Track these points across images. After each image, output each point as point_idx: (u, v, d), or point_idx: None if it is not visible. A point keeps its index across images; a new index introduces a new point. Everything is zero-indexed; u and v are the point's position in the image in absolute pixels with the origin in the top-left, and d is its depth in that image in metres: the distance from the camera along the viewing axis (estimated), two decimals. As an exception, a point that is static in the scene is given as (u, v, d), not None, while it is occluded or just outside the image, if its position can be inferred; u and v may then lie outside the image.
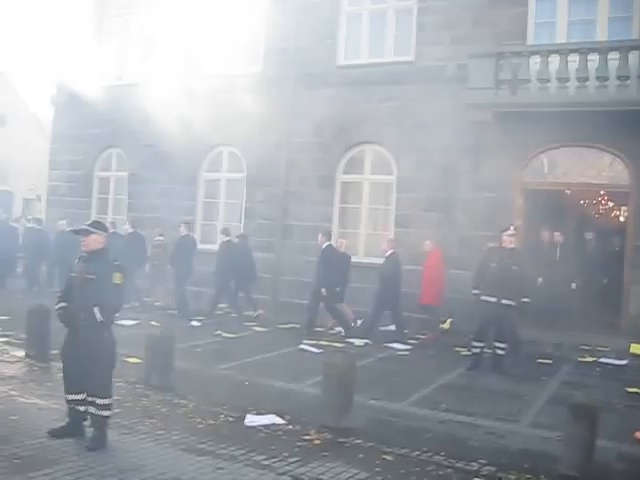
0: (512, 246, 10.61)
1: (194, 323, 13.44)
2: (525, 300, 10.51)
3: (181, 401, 7.72)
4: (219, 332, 12.59)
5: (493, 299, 10.37)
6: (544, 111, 12.47)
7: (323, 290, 13.05)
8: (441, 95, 14.05)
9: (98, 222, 6.73)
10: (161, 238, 15.50)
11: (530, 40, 13.60)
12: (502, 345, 10.49)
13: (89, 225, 6.46)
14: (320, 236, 13.63)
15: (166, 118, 16.64)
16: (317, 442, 6.58)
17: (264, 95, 15.98)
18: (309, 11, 15.75)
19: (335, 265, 13.23)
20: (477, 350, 10.63)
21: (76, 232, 6.55)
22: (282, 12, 16.04)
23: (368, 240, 15.03)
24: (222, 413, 7.33)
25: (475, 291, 10.71)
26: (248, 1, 16.82)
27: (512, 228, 10.86)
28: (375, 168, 15.20)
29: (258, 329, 13.43)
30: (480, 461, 6.25)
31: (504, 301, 10.32)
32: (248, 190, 16.42)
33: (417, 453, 6.39)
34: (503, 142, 13.36)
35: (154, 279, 15.46)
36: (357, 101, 15.05)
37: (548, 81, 12.55)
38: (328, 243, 13.57)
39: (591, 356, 11.82)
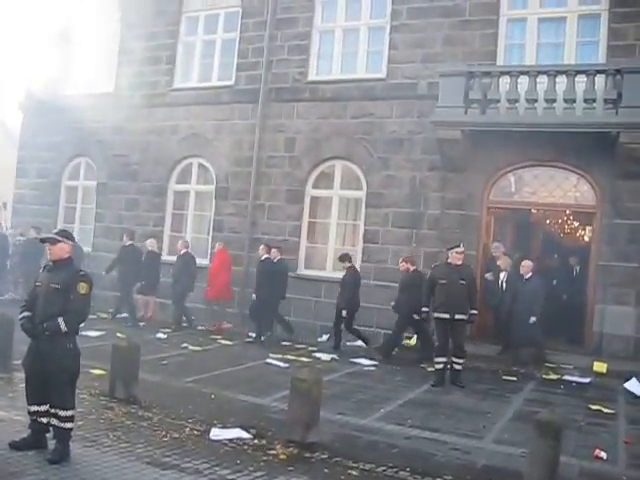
0: (459, 263, 10.78)
1: (160, 335, 13.32)
2: (473, 312, 10.74)
3: (146, 414, 7.63)
4: (185, 345, 12.50)
5: (446, 315, 10.53)
6: (513, 131, 12.64)
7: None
8: (412, 112, 14.24)
9: (64, 231, 6.66)
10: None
11: (500, 61, 13.81)
12: (460, 360, 10.62)
13: (56, 233, 6.40)
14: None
15: (136, 128, 16.61)
16: (283, 457, 6.54)
17: (236, 108, 16.07)
18: (282, 26, 15.83)
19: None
20: (440, 366, 10.68)
21: (42, 240, 6.47)
22: (255, 26, 16.12)
23: (336, 255, 15.05)
24: (187, 426, 7.26)
25: (425, 309, 10.96)
26: (223, 15, 16.88)
27: (461, 245, 11.08)
28: (345, 183, 15.25)
29: (224, 342, 13.35)
30: (445, 477, 6.27)
31: (457, 316, 10.50)
32: (217, 202, 16.36)
33: (383, 468, 6.39)
34: (472, 160, 13.50)
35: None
36: (328, 116, 15.14)
37: (517, 101, 12.73)
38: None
39: (555, 374, 11.94)
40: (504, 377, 11.47)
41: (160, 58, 17.37)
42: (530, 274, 12.40)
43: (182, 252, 15.10)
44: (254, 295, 13.91)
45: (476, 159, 13.48)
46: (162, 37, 17.35)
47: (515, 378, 11.51)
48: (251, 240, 15.46)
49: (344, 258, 13.55)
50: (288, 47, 15.77)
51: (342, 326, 13.18)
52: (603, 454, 7.28)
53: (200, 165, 16.90)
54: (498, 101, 12.89)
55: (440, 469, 6.50)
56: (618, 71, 12.14)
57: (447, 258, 11.00)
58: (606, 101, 12.24)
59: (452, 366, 10.68)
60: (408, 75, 14.36)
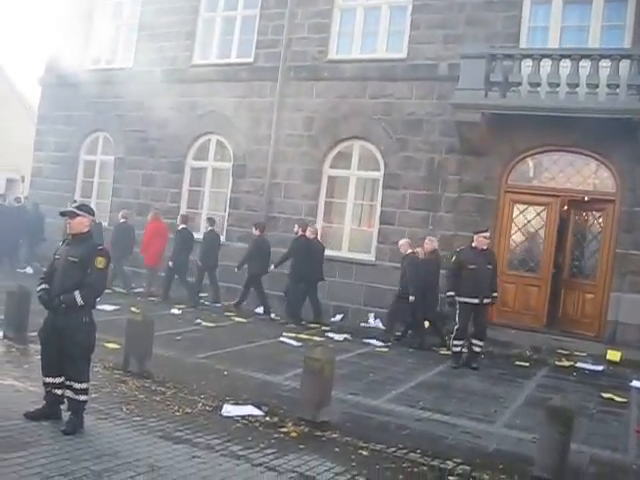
0: (485, 247, 10.86)
1: (174, 311, 13.39)
2: (496, 295, 10.93)
3: (159, 388, 7.69)
4: (199, 321, 12.57)
5: (475, 300, 10.55)
6: (533, 115, 12.53)
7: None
8: (432, 94, 14.13)
9: (84, 205, 6.65)
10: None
11: (523, 43, 13.64)
12: (480, 342, 10.78)
13: (76, 207, 6.41)
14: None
15: (155, 104, 16.59)
16: (294, 435, 6.58)
17: (254, 86, 16.03)
18: (303, 4, 15.72)
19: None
20: (458, 349, 10.76)
21: (62, 214, 6.49)
22: (276, 4, 16.01)
23: (352, 235, 15.03)
24: (200, 402, 7.31)
25: (451, 293, 10.84)
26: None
27: (488, 230, 11.23)
28: (362, 164, 15.19)
29: (238, 319, 13.40)
30: (455, 460, 6.28)
31: (485, 300, 10.62)
32: (234, 180, 16.36)
33: (393, 449, 6.40)
34: (490, 144, 13.41)
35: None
36: (347, 96, 15.05)
37: (539, 85, 12.59)
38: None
39: (568, 360, 11.90)
40: (516, 362, 11.46)
41: (180, 34, 17.31)
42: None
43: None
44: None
45: (495, 143, 13.39)
46: (182, 12, 17.27)
47: (528, 364, 11.50)
48: (267, 218, 15.45)
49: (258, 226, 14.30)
50: (308, 25, 15.65)
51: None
52: None
53: (218, 142, 16.90)
54: (519, 84, 12.74)
55: (450, 452, 6.52)
56: (643, 56, 11.97)
57: (472, 242, 11.02)
58: (630, 87, 12.07)
59: (471, 348, 10.77)
60: (429, 56, 14.23)
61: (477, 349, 10.78)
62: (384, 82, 14.65)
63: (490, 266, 10.75)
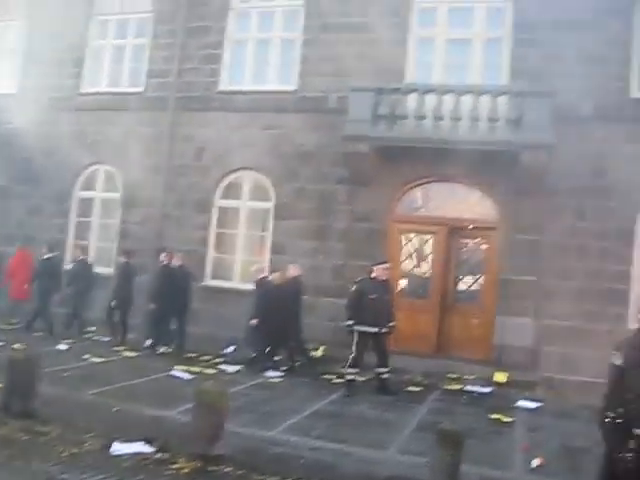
0: (385, 278, 11.21)
1: (61, 347, 12.90)
2: (392, 324, 11.26)
3: (43, 429, 7.33)
4: (87, 356, 12.15)
5: (374, 329, 10.90)
6: (419, 146, 12.97)
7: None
8: (322, 125, 14.36)
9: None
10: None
11: (409, 78, 14.14)
12: (385, 369, 11.11)
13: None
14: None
15: (41, 132, 16.08)
16: (186, 470, 6.43)
17: (145, 115, 15.79)
18: (194, 34, 15.72)
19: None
20: (352, 377, 10.97)
21: None
22: (167, 34, 15.93)
23: (244, 266, 14.99)
24: (87, 441, 7.03)
25: (349, 322, 11.03)
26: (134, 19, 16.60)
27: (387, 262, 11.62)
28: (253, 194, 15.23)
29: (127, 354, 13.04)
30: (350, 488, 6.33)
31: (384, 330, 10.97)
32: (124, 210, 16.03)
33: (288, 480, 6.39)
34: (379, 174, 13.76)
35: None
36: (238, 127, 15.10)
37: (424, 118, 13.07)
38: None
39: (458, 384, 12.25)
40: (408, 388, 11.68)
41: (67, 60, 16.90)
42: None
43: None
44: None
45: (383, 173, 13.75)
46: (70, 39, 16.86)
47: (419, 388, 11.74)
48: (159, 250, 15.16)
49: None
50: (199, 56, 15.67)
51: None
52: (536, 461, 7.56)
53: (107, 172, 16.53)
54: (406, 117, 13.19)
55: (345, 480, 6.56)
56: (520, 93, 12.64)
57: (371, 272, 11.30)
58: (508, 121, 12.74)
59: (380, 377, 11.11)
60: (319, 89, 14.51)
61: (385, 376, 11.10)
62: (275, 114, 14.80)
63: (388, 296, 11.12)
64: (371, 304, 10.86)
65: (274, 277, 13.12)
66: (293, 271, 13.01)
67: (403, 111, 13.18)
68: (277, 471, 6.57)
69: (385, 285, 11.20)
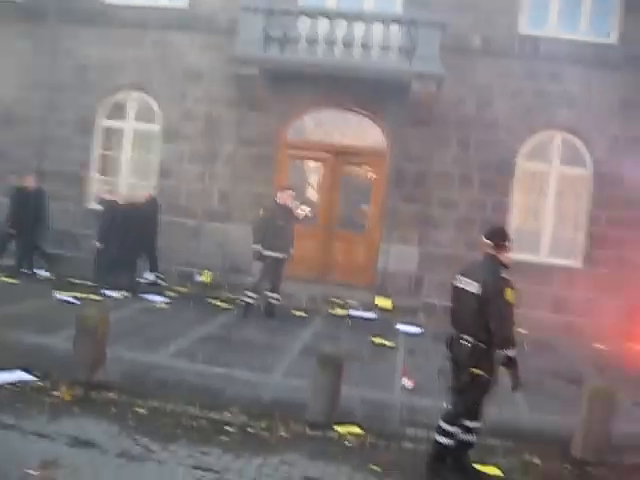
0: (289, 203, 11.34)
1: None
2: (292, 251, 11.39)
3: None
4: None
5: (281, 255, 11.08)
6: (310, 72, 12.81)
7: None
8: (212, 46, 13.87)
9: None
10: None
11: (302, 1, 13.83)
12: (277, 295, 11.24)
13: None
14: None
15: None
16: (68, 398, 6.32)
17: (22, 29, 14.70)
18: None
19: None
20: (251, 301, 11.14)
21: None
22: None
23: (130, 190, 14.54)
24: (-39, 370, 6.77)
25: (256, 246, 11.06)
26: None
27: (292, 189, 11.71)
28: (139, 115, 14.67)
29: (5, 279, 12.49)
30: (234, 411, 6.40)
31: (284, 255, 11.16)
32: (-1, 129, 15.07)
33: (172, 406, 6.39)
34: (269, 99, 13.54)
35: None
36: (125, 44, 14.32)
37: (316, 43, 12.88)
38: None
39: (343, 309, 12.53)
40: (294, 313, 11.83)
41: None
42: None
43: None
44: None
45: (274, 98, 13.53)
46: None
47: (305, 314, 11.92)
48: (39, 172, 14.41)
49: None
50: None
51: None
52: (408, 382, 7.90)
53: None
54: (297, 41, 12.95)
55: (229, 404, 6.62)
56: (412, 22, 12.64)
57: (276, 198, 11.40)
58: (400, 50, 12.74)
59: (269, 302, 11.25)
60: (210, 7, 13.95)
61: (274, 302, 11.24)
62: (164, 31, 14.14)
63: (292, 222, 11.25)
64: (278, 230, 10.95)
65: (121, 197, 13.10)
66: (144, 194, 13.14)
67: (295, 34, 12.93)
68: (160, 396, 6.57)
69: (288, 211, 11.27)
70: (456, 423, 5.46)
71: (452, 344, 5.52)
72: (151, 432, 5.71)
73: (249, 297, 11.15)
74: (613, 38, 13.32)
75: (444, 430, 5.48)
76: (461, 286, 5.47)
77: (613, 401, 6.40)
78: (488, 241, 5.58)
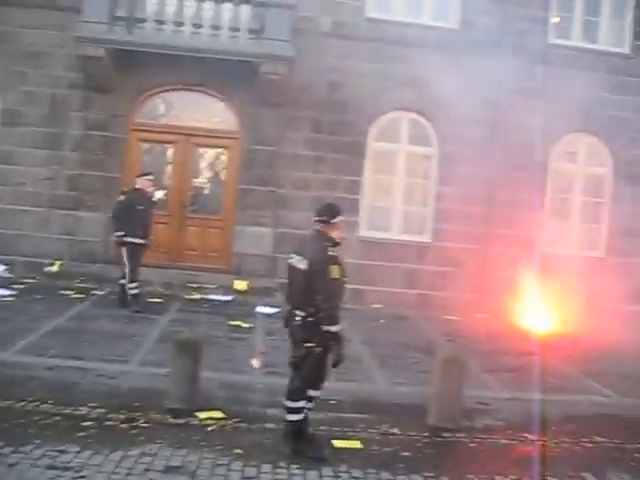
0: (148, 189, 11.06)
1: None
2: (151, 237, 11.17)
3: None
4: None
5: (143, 241, 10.79)
6: (159, 53, 12.51)
7: None
8: (52, 24, 13.15)
9: None
10: None
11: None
12: (134, 284, 10.81)
13: None
14: None
15: None
16: None
17: None
18: None
19: None
20: (136, 291, 10.79)
21: None
22: None
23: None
24: None
25: (119, 233, 10.70)
26: None
27: (151, 173, 11.43)
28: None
29: None
30: (90, 405, 6.23)
31: (146, 241, 10.92)
32: None
33: (23, 404, 6.13)
34: (117, 80, 13.10)
35: None
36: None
37: (164, 23, 12.59)
38: None
39: (199, 293, 12.43)
40: (150, 300, 11.57)
41: None
42: None
43: None
44: None
45: (121, 80, 13.11)
46: None
47: (161, 299, 11.73)
48: None
49: None
50: None
51: None
52: (256, 362, 7.89)
53: None
54: (145, 21, 12.61)
55: (85, 397, 6.45)
56: (262, 3, 12.63)
57: (136, 184, 11.10)
58: (250, 31, 12.73)
59: (123, 289, 10.85)
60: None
61: (133, 290, 10.79)
62: (1, 8, 13.28)
63: (152, 208, 11.07)
64: (139, 216, 10.68)
65: None
66: None
67: (142, 14, 12.56)
68: (10, 395, 6.27)
69: (149, 197, 11.05)
70: (298, 398, 5.57)
71: (287, 320, 5.64)
72: (2, 433, 5.45)
73: (132, 289, 10.71)
74: (455, 23, 13.96)
75: (290, 408, 5.59)
76: (292, 263, 5.58)
77: (463, 369, 6.77)
78: (317, 218, 5.66)
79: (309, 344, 5.43)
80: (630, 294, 12.85)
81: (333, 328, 5.37)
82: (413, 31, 13.64)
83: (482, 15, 13.79)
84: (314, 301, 5.36)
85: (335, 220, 5.60)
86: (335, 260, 5.41)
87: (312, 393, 5.63)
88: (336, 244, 5.54)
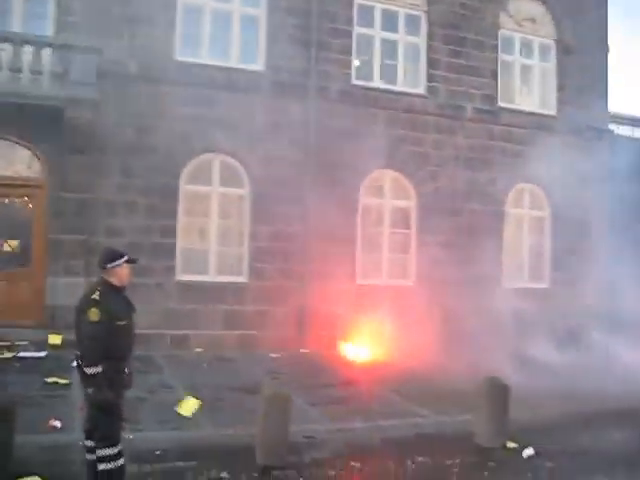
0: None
1: None
2: None
3: None
4: None
5: None
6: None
7: None
8: None
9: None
10: None
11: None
12: None
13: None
14: None
15: None
16: None
17: None
18: None
19: None
20: None
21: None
22: None
23: None
24: None
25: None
26: None
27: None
28: None
29: None
30: None
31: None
32: None
33: None
34: None
35: None
36: None
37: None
38: None
39: (10, 351, 11.65)
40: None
41: None
42: None
43: None
44: None
45: None
46: None
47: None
48: None
49: None
50: None
51: None
52: (57, 423, 7.48)
53: None
54: None
55: None
56: (66, 46, 12.31)
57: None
58: (53, 74, 12.33)
59: None
60: None
61: None
62: None
63: None
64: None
65: None
66: None
67: None
68: None
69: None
70: (103, 445, 5.41)
71: (78, 367, 5.52)
72: None
73: None
74: (261, 65, 14.37)
75: (101, 456, 5.40)
76: (79, 309, 5.50)
77: (288, 405, 6.86)
78: (99, 266, 5.66)
79: (89, 389, 5.36)
80: (438, 317, 13.67)
81: (91, 370, 5.28)
82: (221, 74, 13.89)
83: (287, 58, 14.34)
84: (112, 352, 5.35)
85: (110, 265, 5.58)
86: (97, 304, 5.35)
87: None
88: (115, 288, 5.53)
